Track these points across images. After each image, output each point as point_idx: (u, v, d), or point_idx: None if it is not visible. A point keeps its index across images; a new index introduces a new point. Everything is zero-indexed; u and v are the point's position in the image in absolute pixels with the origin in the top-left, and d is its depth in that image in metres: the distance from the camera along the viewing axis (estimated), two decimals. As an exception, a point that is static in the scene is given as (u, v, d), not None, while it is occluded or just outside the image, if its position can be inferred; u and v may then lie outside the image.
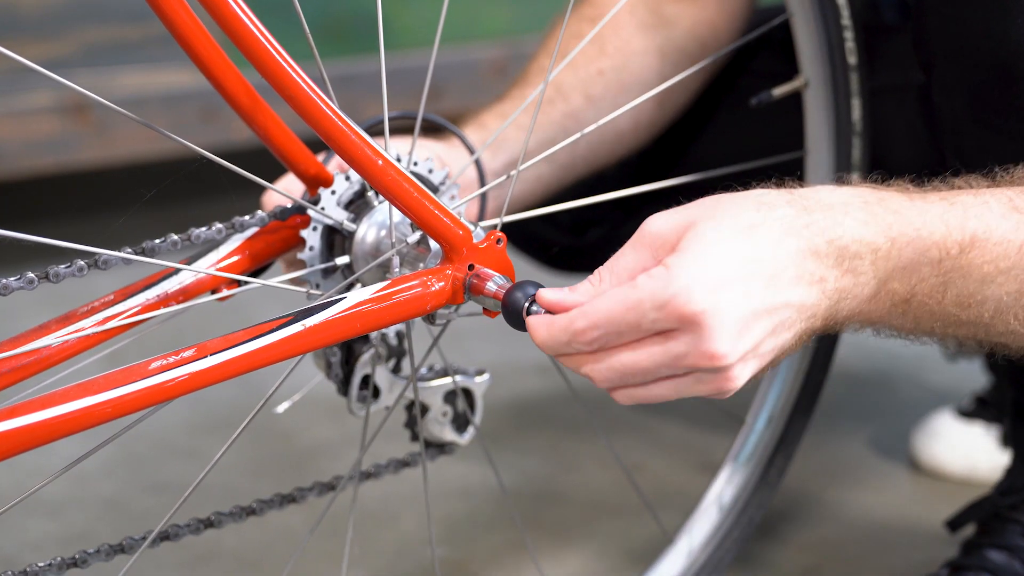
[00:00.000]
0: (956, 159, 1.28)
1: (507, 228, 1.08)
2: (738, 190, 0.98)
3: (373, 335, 1.14)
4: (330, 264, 1.10)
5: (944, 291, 0.99)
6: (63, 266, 0.99)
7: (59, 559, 1.06)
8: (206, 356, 0.93)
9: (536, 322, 0.96)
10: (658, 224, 0.96)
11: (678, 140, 1.60)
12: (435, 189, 1.13)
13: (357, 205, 1.10)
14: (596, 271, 0.97)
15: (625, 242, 1.75)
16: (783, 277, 0.93)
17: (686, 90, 1.53)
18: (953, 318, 1.01)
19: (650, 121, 1.50)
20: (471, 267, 1.03)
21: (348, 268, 1.10)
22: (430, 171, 1.13)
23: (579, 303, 0.95)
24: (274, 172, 1.15)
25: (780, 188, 0.98)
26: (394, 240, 1.08)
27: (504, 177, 1.24)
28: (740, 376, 0.93)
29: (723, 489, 1.45)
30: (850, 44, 1.33)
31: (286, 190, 1.13)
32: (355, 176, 1.09)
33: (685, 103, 1.55)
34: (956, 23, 1.20)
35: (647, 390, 0.94)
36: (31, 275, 0.97)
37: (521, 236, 1.67)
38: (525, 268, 1.54)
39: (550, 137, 1.38)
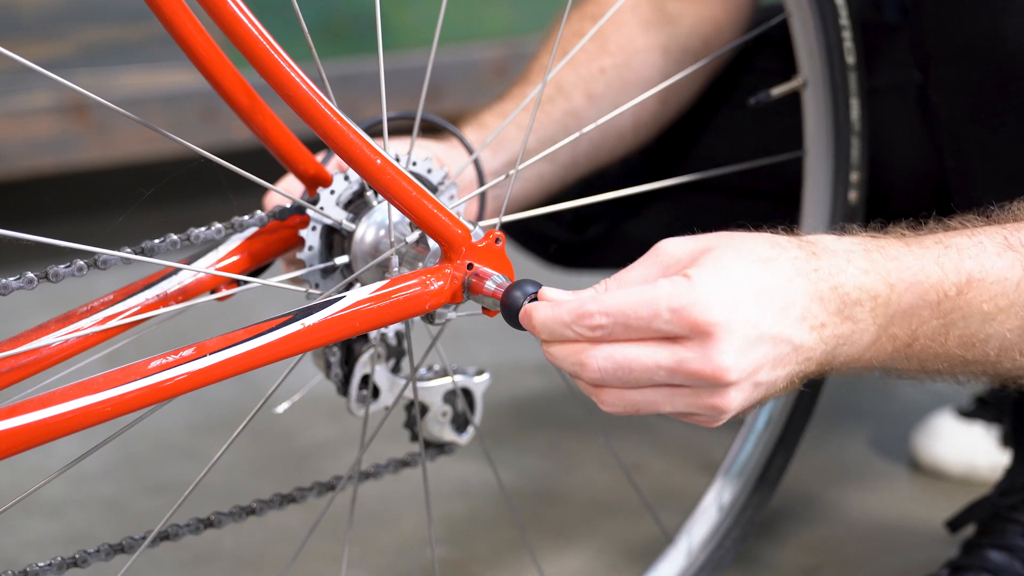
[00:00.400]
0: (953, 159, 1.28)
1: (508, 225, 1.08)
2: (750, 229, 0.99)
3: (372, 335, 1.14)
4: (329, 264, 1.10)
5: (947, 333, 1.00)
6: (63, 266, 0.99)
7: (59, 559, 1.06)
8: (205, 355, 0.93)
9: (537, 303, 0.95)
10: (673, 245, 0.96)
11: (680, 138, 1.60)
12: (434, 189, 1.13)
13: (356, 205, 1.10)
14: (602, 281, 0.96)
15: (624, 239, 1.75)
16: (791, 313, 0.94)
17: (688, 88, 1.52)
18: (959, 358, 1.02)
19: (652, 119, 1.50)
20: (470, 266, 1.03)
21: (347, 267, 1.10)
22: (429, 171, 1.13)
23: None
24: (274, 172, 1.15)
25: (787, 234, 0.99)
26: (393, 239, 1.08)
27: (503, 177, 1.24)
28: (734, 399, 0.93)
29: (723, 489, 1.45)
30: (848, 44, 1.33)
31: (285, 190, 1.13)
32: (354, 176, 1.09)
33: (687, 101, 1.55)
34: (953, 24, 1.20)
35: (640, 394, 0.94)
36: (31, 275, 0.97)
37: (522, 233, 1.67)
38: (526, 265, 1.54)
39: (551, 136, 1.38)
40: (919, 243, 1.01)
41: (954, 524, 1.53)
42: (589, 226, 1.69)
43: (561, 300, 0.94)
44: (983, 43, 1.18)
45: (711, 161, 1.45)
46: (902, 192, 1.55)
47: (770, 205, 1.61)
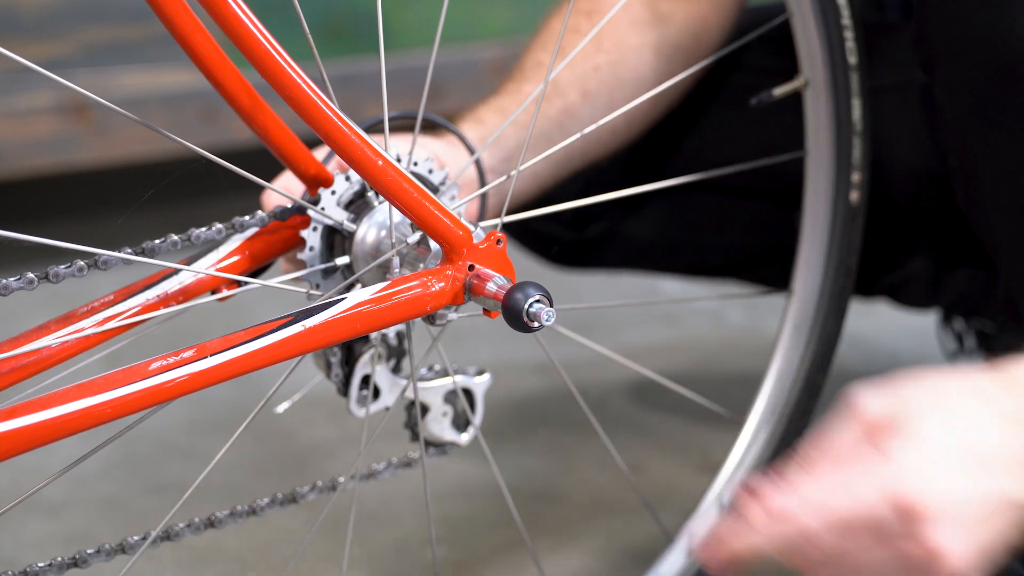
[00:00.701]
0: (958, 158, 1.28)
1: (507, 225, 1.08)
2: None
3: (373, 335, 1.14)
4: (330, 264, 1.10)
5: None
6: (63, 266, 0.99)
7: (59, 559, 1.05)
8: (206, 357, 0.93)
9: (735, 531, 0.92)
10: (872, 405, 0.94)
11: (669, 133, 1.60)
12: (435, 189, 1.13)
13: (357, 205, 1.10)
14: (805, 454, 0.94)
15: (624, 238, 1.75)
16: (999, 469, 0.92)
17: (678, 85, 1.53)
18: None
19: (643, 116, 1.50)
20: (471, 267, 1.03)
21: (348, 268, 1.10)
22: (430, 171, 1.13)
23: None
24: (274, 172, 1.15)
25: (987, 371, 0.97)
26: (394, 240, 1.08)
27: (504, 177, 1.24)
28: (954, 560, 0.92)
29: (723, 489, 1.44)
30: (850, 44, 1.32)
31: (286, 190, 1.13)
32: (355, 176, 1.09)
33: (678, 98, 1.55)
34: (959, 21, 1.20)
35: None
36: (31, 275, 0.97)
37: (521, 232, 1.67)
38: (525, 264, 1.54)
39: (547, 133, 1.38)
40: None
41: (955, 525, 1.53)
42: (588, 225, 1.69)
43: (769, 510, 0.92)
44: (990, 40, 1.18)
45: (710, 161, 1.45)
46: (904, 192, 1.55)
47: (770, 205, 1.61)
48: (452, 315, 1.06)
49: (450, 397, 1.20)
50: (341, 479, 1.19)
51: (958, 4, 1.20)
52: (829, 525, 0.90)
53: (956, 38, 1.21)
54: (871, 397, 0.95)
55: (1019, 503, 0.93)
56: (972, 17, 1.19)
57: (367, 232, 1.09)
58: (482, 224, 1.05)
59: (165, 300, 1.05)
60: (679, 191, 1.46)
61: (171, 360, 0.92)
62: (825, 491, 0.91)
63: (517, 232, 1.67)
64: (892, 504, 0.89)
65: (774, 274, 1.61)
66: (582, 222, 1.70)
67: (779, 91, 1.35)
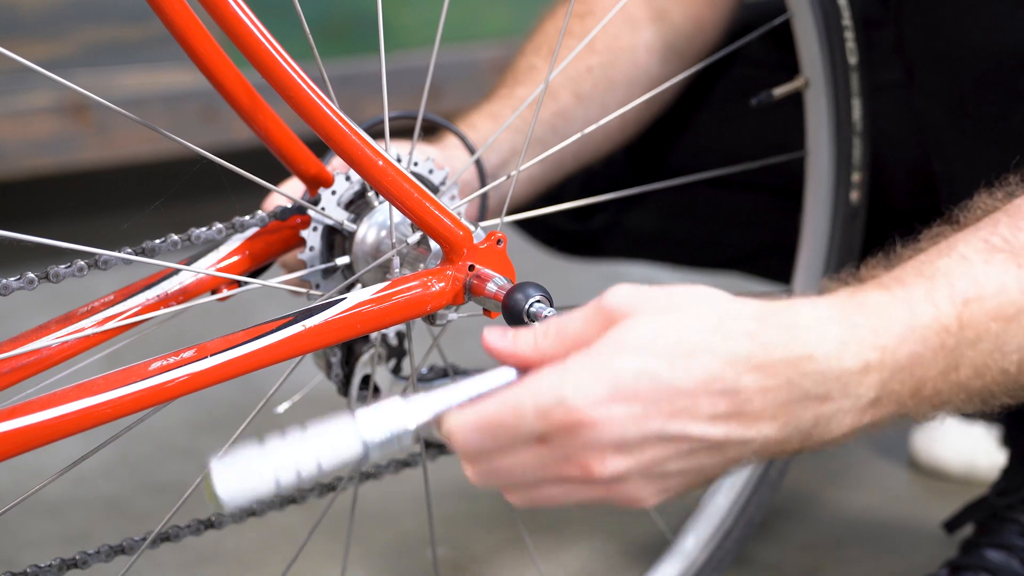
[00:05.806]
0: (940, 163, 1.28)
1: (512, 213, 1.07)
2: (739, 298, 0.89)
3: (373, 335, 1.14)
4: (330, 264, 1.10)
5: (957, 368, 0.90)
6: (63, 266, 0.99)
7: (59, 559, 1.06)
8: (206, 357, 0.93)
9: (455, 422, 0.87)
10: (615, 300, 0.86)
11: (671, 125, 1.60)
12: (435, 189, 1.13)
13: (357, 205, 1.10)
14: (546, 322, 0.88)
15: (626, 228, 1.74)
16: (703, 411, 0.84)
17: (672, 87, 1.53)
18: (977, 388, 0.92)
19: (636, 118, 1.50)
20: (471, 268, 1.03)
21: (348, 268, 1.10)
22: (430, 171, 1.13)
23: (516, 354, 0.88)
24: (274, 172, 1.15)
25: (760, 300, 0.88)
26: (394, 241, 1.08)
27: (505, 178, 1.24)
28: (634, 493, 0.87)
29: (723, 489, 1.44)
30: (851, 44, 1.33)
31: (286, 190, 1.13)
32: (355, 176, 1.09)
33: (672, 99, 1.55)
34: (933, 31, 1.20)
35: (538, 492, 0.87)
36: (31, 275, 0.97)
37: (526, 222, 1.67)
38: (526, 263, 1.54)
39: (540, 137, 1.38)
40: (900, 284, 0.91)
41: (951, 525, 1.53)
42: (592, 215, 1.69)
43: (500, 351, 0.88)
44: (959, 52, 1.18)
45: (712, 154, 1.44)
46: (904, 190, 1.55)
47: (772, 199, 1.61)
48: (452, 315, 1.06)
49: (450, 397, 1.19)
50: (341, 479, 1.19)
51: (931, 15, 1.19)
52: (473, 428, 0.85)
53: (931, 48, 1.21)
54: (619, 293, 0.86)
55: (720, 442, 0.85)
56: (945, 27, 1.19)
57: (367, 232, 1.09)
58: (482, 224, 1.05)
59: (165, 300, 1.05)
60: (678, 192, 1.46)
61: (171, 360, 0.92)
62: (488, 403, 0.86)
63: (522, 222, 1.66)
64: (549, 421, 0.84)
65: (776, 267, 1.61)
66: (586, 213, 1.69)
67: (779, 91, 1.35)
